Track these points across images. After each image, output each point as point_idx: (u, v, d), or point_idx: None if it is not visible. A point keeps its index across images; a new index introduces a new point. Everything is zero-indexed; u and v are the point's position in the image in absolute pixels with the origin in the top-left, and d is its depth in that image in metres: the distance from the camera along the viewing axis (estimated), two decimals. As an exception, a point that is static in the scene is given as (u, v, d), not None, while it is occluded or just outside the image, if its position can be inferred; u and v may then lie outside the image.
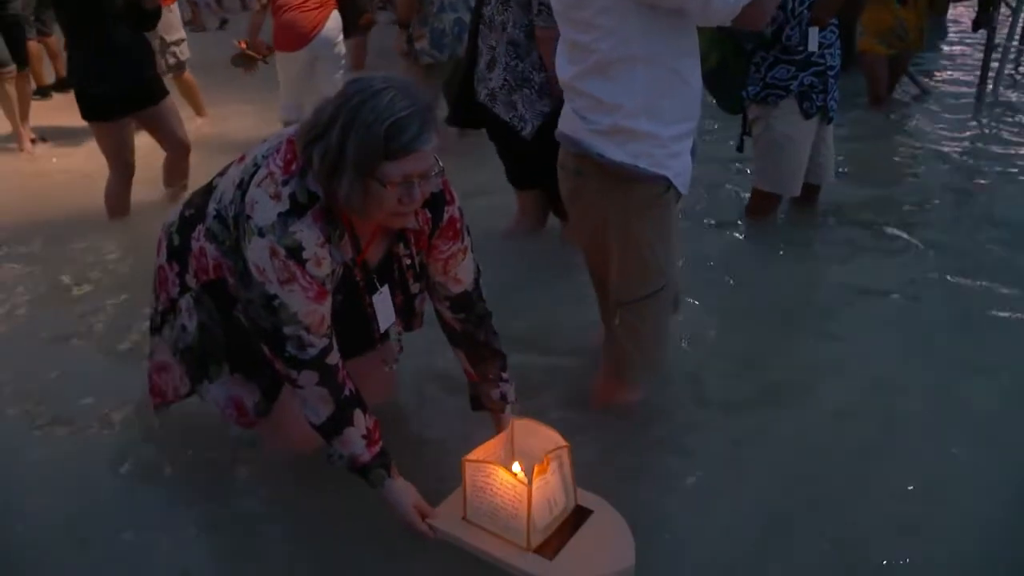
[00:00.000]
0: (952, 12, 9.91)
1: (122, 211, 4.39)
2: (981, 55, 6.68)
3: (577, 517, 2.07)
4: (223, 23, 11.05)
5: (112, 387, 2.81)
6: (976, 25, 6.83)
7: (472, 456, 2.02)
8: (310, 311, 1.87)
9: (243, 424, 2.30)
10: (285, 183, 1.84)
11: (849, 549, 2.07)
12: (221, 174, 2.12)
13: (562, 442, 2.03)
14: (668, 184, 2.25)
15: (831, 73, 3.76)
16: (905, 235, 3.99)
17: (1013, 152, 5.33)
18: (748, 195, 4.21)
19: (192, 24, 10.21)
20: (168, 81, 4.99)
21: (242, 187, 1.92)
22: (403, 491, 2.05)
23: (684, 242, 3.28)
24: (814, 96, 3.75)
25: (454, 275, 2.17)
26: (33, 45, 6.71)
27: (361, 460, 2.00)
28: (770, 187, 4.00)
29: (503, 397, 2.29)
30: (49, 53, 7.50)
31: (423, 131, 1.74)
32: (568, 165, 2.36)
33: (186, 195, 2.37)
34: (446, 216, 2.09)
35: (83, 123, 4.27)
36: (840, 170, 4.61)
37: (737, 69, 3.86)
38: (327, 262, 1.87)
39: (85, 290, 3.66)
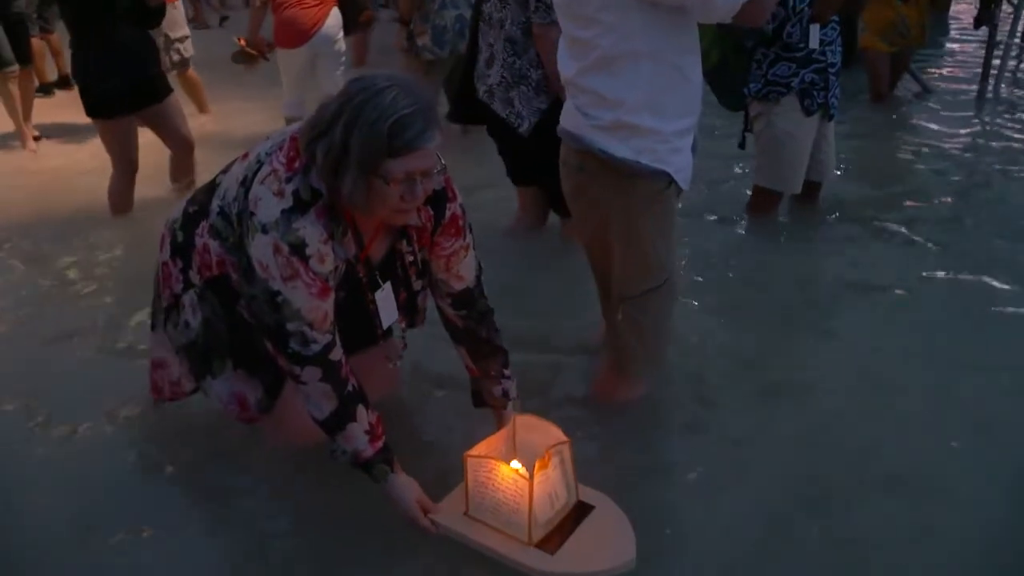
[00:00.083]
0: (954, 9, 9.94)
1: (125, 208, 4.41)
2: (983, 52, 6.68)
3: (578, 512, 2.09)
4: (223, 20, 11.06)
5: (113, 385, 2.81)
6: (978, 22, 6.84)
7: (474, 451, 2.04)
8: (313, 307, 1.89)
9: (245, 420, 2.32)
10: (289, 180, 1.85)
11: (849, 549, 2.06)
12: (225, 171, 2.14)
13: (563, 437, 2.05)
14: (670, 180, 2.26)
15: (832, 70, 3.77)
16: (906, 232, 4.00)
17: (1014, 149, 5.33)
18: (750, 192, 4.21)
19: (195, 21, 10.22)
20: (172, 78, 4.99)
21: (246, 184, 1.94)
22: (406, 486, 2.06)
23: (685, 239, 3.30)
24: (815, 93, 3.75)
25: (456, 272, 2.18)
26: (35, 42, 6.72)
27: (364, 456, 2.01)
28: (771, 184, 4.01)
29: (505, 394, 2.30)
30: (51, 50, 7.52)
31: (426, 129, 1.75)
32: (570, 161, 2.37)
33: (191, 192, 2.38)
34: (448, 213, 2.10)
35: (86, 120, 4.28)
36: (841, 167, 4.62)
37: (738, 66, 3.87)
38: (330, 259, 1.88)
39: (87, 287, 3.67)
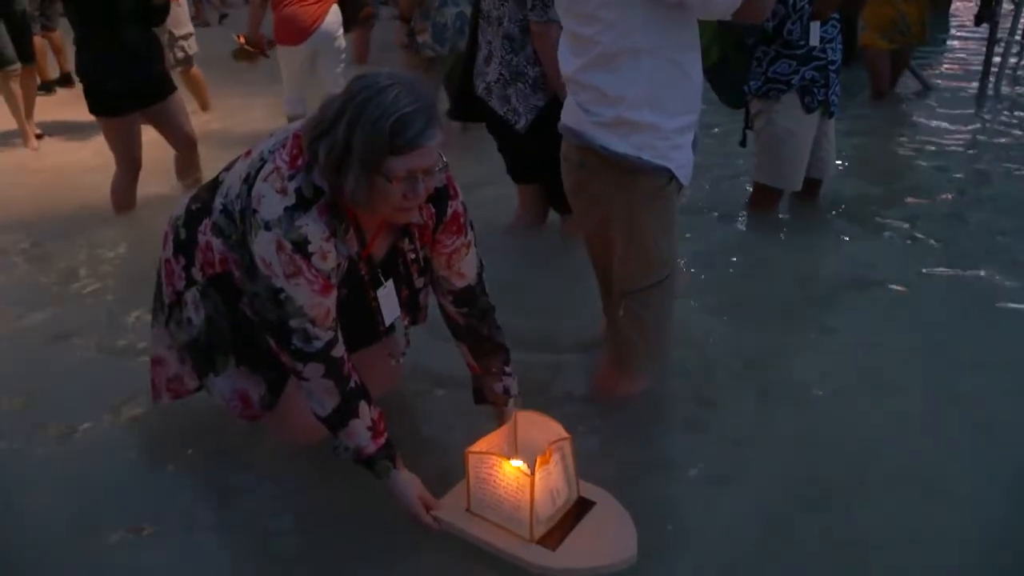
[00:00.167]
0: (954, 6, 9.93)
1: (128, 205, 4.42)
2: (983, 49, 6.68)
3: (579, 508, 2.10)
4: (223, 17, 11.05)
5: (114, 384, 2.81)
6: (978, 19, 6.85)
7: (475, 448, 2.04)
8: (316, 304, 1.89)
9: (248, 417, 2.33)
10: (291, 178, 1.86)
11: (849, 550, 2.06)
12: (227, 169, 2.15)
13: (564, 433, 2.05)
14: (671, 175, 2.27)
15: (832, 68, 3.77)
16: (906, 229, 4.00)
17: (1015, 146, 5.33)
18: (751, 189, 4.21)
19: (196, 19, 10.21)
20: (175, 76, 5.00)
21: (248, 182, 1.95)
22: (408, 483, 2.07)
23: (687, 236, 3.30)
24: (815, 90, 3.76)
25: (458, 269, 2.19)
26: (37, 40, 6.73)
27: (367, 452, 2.02)
28: (772, 181, 4.02)
29: (506, 391, 2.30)
30: (53, 48, 7.52)
31: (428, 127, 1.76)
32: (571, 157, 2.38)
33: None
34: (450, 211, 2.11)
35: (88, 118, 4.29)
36: (842, 164, 4.62)
37: (739, 64, 3.87)
38: (332, 256, 1.89)
39: (89, 285, 3.67)
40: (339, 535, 2.14)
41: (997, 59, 6.58)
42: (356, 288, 2.06)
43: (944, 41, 8.64)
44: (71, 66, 7.34)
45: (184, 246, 2.20)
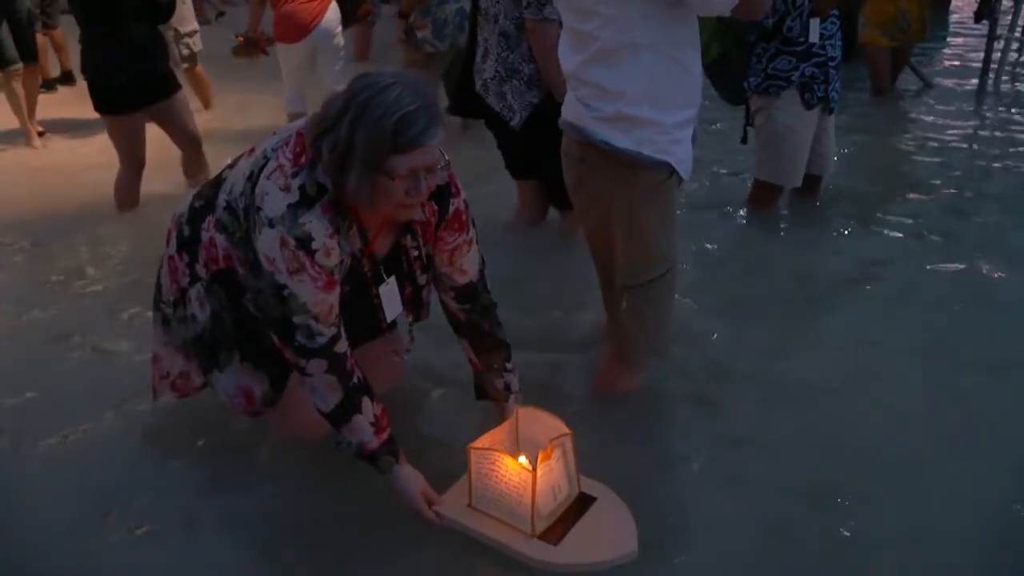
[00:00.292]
0: (954, 3, 9.92)
1: (131, 203, 4.43)
2: (983, 46, 6.68)
3: (580, 504, 2.11)
4: (219, 15, 11.01)
5: (114, 384, 2.81)
6: (978, 16, 6.84)
7: (477, 444, 2.06)
8: (319, 301, 1.91)
9: (251, 413, 2.34)
10: (295, 175, 1.88)
11: (849, 549, 2.06)
12: (231, 166, 2.16)
13: (565, 430, 2.07)
14: (671, 170, 2.28)
15: (832, 64, 3.78)
16: (906, 225, 4.01)
17: (1015, 142, 5.34)
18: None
19: (198, 16, 10.19)
20: (179, 74, 5.00)
21: (252, 179, 1.96)
22: (410, 478, 2.08)
23: (686, 232, 3.30)
24: (815, 87, 3.77)
25: (459, 266, 2.20)
26: (38, 38, 6.71)
27: (369, 447, 2.03)
28: (772, 178, 4.02)
29: (507, 387, 2.32)
30: (54, 46, 7.52)
31: (430, 126, 1.77)
32: (572, 153, 2.39)
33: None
34: (452, 208, 2.12)
35: (90, 116, 4.30)
36: (842, 161, 4.62)
37: (739, 60, 3.88)
38: (336, 253, 1.91)
39: (92, 283, 3.67)
40: (340, 532, 2.14)
41: (997, 55, 6.58)
42: (359, 285, 2.07)
43: (944, 38, 8.64)
44: (72, 64, 7.38)
45: (188, 243, 2.21)
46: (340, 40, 5.54)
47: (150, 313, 2.49)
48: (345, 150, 1.77)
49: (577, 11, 2.19)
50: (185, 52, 6.22)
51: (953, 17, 9.65)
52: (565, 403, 2.58)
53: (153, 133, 4.41)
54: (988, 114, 6.06)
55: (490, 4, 3.48)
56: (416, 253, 2.16)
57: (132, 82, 4.09)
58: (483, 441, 2.07)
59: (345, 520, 2.18)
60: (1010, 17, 6.91)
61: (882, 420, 2.53)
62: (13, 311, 3.39)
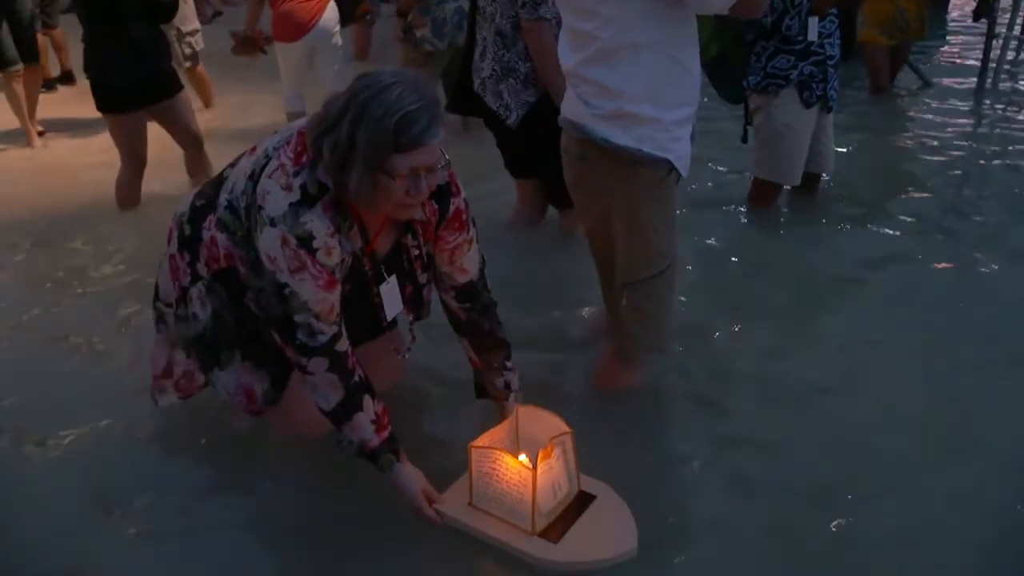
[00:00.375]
0: (952, 2, 9.91)
1: (132, 202, 4.43)
2: (982, 44, 6.68)
3: (580, 502, 2.12)
4: (216, 15, 10.99)
5: (114, 383, 2.82)
6: (977, 15, 6.83)
7: (478, 442, 2.07)
8: (320, 299, 1.91)
9: (252, 411, 2.34)
10: (296, 174, 1.88)
11: (849, 549, 2.06)
12: (232, 165, 2.16)
13: (565, 428, 2.08)
14: (671, 167, 2.29)
15: (831, 63, 3.79)
16: (906, 224, 4.01)
17: (1014, 140, 5.34)
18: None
19: (199, 16, 10.17)
20: (180, 74, 5.00)
21: (254, 178, 1.97)
22: (411, 476, 2.09)
23: (686, 231, 3.31)
24: (814, 86, 3.77)
25: (460, 265, 2.21)
26: (38, 38, 6.71)
27: (370, 445, 2.04)
28: (771, 176, 4.03)
29: (507, 385, 2.33)
30: (54, 45, 7.49)
31: (431, 125, 1.78)
32: (572, 150, 2.39)
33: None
34: (452, 207, 2.13)
35: (89, 115, 4.30)
36: (841, 159, 4.62)
37: (738, 59, 3.89)
38: (337, 251, 1.91)
39: (93, 282, 3.68)
40: (340, 532, 2.15)
41: (995, 54, 6.58)
42: (360, 284, 2.08)
43: (943, 36, 8.63)
44: (72, 64, 7.37)
45: (189, 242, 2.22)
46: (338, 39, 5.54)
47: (150, 312, 2.49)
48: (346, 149, 1.78)
49: (577, 11, 2.20)
50: (188, 51, 6.23)
51: (952, 15, 9.64)
52: (565, 402, 2.59)
53: (154, 132, 4.40)
54: (987, 112, 6.06)
55: (487, 3, 3.48)
56: (417, 252, 2.16)
57: (134, 81, 4.09)
58: (484, 440, 2.08)
59: (345, 520, 2.18)
60: (1008, 15, 6.91)
61: (882, 420, 2.53)
62: (13, 311, 3.39)
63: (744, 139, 4.09)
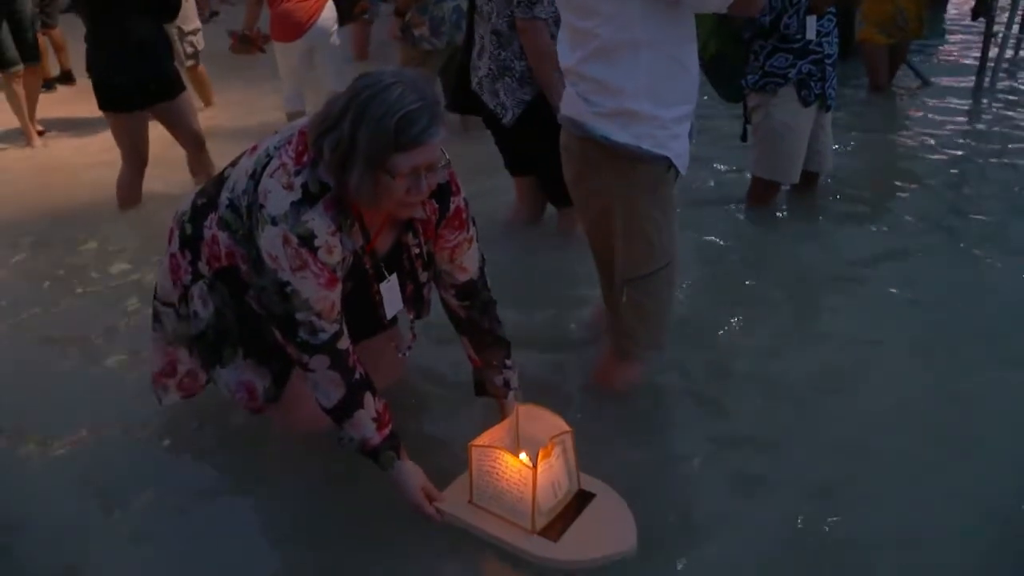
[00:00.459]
0: (951, 0, 9.92)
1: (133, 201, 4.43)
2: (980, 43, 6.69)
3: (580, 500, 2.13)
4: (213, 15, 10.98)
5: (115, 384, 2.82)
6: (975, 13, 6.83)
7: (478, 441, 2.07)
8: (321, 297, 1.92)
9: (253, 409, 2.35)
10: (297, 173, 1.89)
11: (849, 549, 2.06)
12: (232, 164, 2.17)
13: (565, 427, 2.08)
14: (669, 164, 2.30)
15: (829, 61, 3.79)
16: (906, 223, 4.01)
17: (1013, 138, 5.35)
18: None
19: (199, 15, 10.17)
20: (181, 72, 5.00)
21: (255, 177, 1.98)
22: (412, 474, 2.10)
23: (685, 229, 3.31)
24: (812, 84, 3.77)
25: (460, 264, 2.21)
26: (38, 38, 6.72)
27: (371, 443, 2.05)
28: (770, 175, 4.03)
29: (506, 383, 2.33)
30: (54, 45, 7.50)
31: (432, 124, 1.78)
32: (571, 148, 2.40)
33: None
34: (452, 206, 2.13)
35: (89, 114, 4.31)
36: (839, 158, 4.62)
37: (736, 58, 3.89)
38: (338, 250, 1.92)
39: (94, 281, 3.68)
40: (341, 531, 2.15)
41: (994, 53, 6.59)
42: (360, 282, 2.09)
43: (941, 35, 8.64)
44: (72, 63, 7.36)
45: (190, 241, 2.22)
46: (336, 39, 5.55)
47: (150, 312, 2.49)
48: (347, 148, 1.78)
49: (576, 8, 2.20)
50: (189, 50, 6.26)
51: (950, 14, 9.65)
52: (565, 401, 2.60)
53: (155, 132, 4.40)
54: (985, 111, 6.06)
55: (484, 2, 3.49)
56: (417, 251, 2.17)
57: (137, 81, 4.09)
58: (484, 438, 2.09)
59: (345, 519, 2.18)
60: (1007, 14, 6.92)
61: (882, 420, 2.52)
62: (13, 310, 3.39)
63: (744, 138, 4.10)
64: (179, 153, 4.62)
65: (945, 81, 6.79)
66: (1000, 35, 6.67)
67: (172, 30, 5.47)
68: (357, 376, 2.03)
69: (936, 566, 2.02)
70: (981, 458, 2.35)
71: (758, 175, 4.09)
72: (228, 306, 2.20)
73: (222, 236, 2.11)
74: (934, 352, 2.88)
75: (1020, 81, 6.91)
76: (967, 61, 7.30)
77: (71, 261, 3.90)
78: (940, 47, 8.17)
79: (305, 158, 1.90)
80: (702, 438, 2.49)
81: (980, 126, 5.73)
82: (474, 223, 2.22)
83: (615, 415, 2.56)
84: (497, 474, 2.05)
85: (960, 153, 5.13)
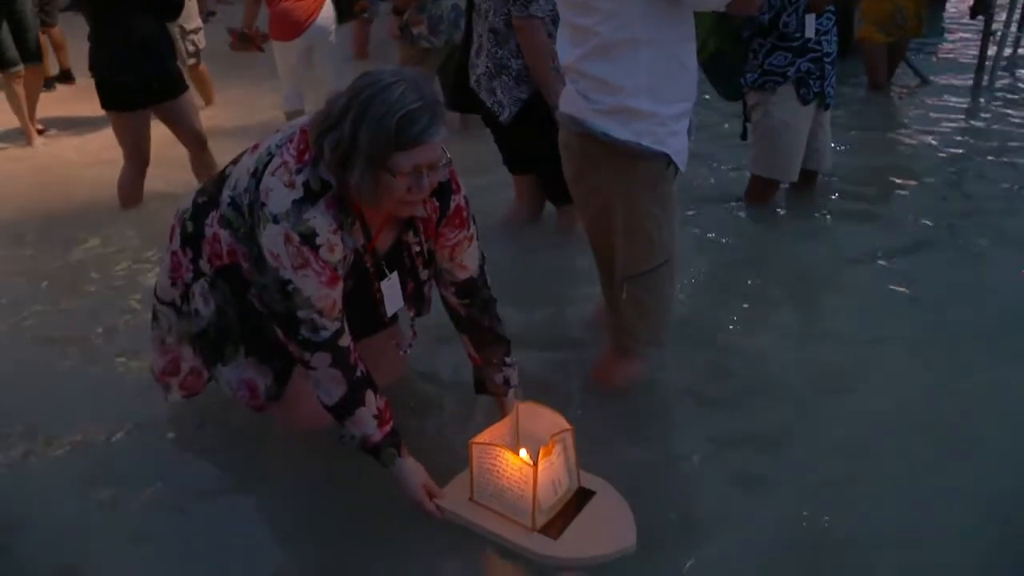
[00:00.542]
0: (950, -1, 9.94)
1: (135, 200, 4.43)
2: (979, 41, 6.69)
3: (580, 498, 2.13)
4: (210, 15, 10.96)
5: (115, 383, 2.82)
6: (974, 12, 6.84)
7: (479, 439, 2.07)
8: (323, 295, 1.92)
9: (254, 407, 2.35)
10: (299, 172, 1.89)
11: (849, 549, 2.05)
12: (234, 162, 2.17)
13: (566, 425, 2.08)
14: (669, 161, 2.30)
15: (828, 60, 3.79)
16: (904, 221, 4.01)
17: (1012, 136, 5.35)
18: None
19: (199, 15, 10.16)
20: (183, 71, 5.00)
21: (256, 175, 1.98)
22: (412, 471, 2.10)
23: (685, 228, 3.32)
24: (811, 82, 3.78)
25: (460, 262, 2.22)
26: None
27: (372, 440, 2.05)
28: (768, 173, 4.04)
29: (506, 381, 2.33)
30: (53, 44, 7.48)
31: (432, 123, 1.79)
32: (571, 145, 2.40)
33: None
34: (453, 205, 2.14)
35: (89, 113, 4.29)
36: (838, 156, 4.62)
37: (735, 56, 3.89)
38: (339, 248, 1.92)
39: (94, 281, 3.67)
40: (341, 530, 2.15)
41: (992, 51, 6.59)
42: (361, 280, 2.09)
43: (940, 33, 8.65)
44: (72, 62, 7.36)
45: (191, 239, 2.22)
46: (334, 37, 5.54)
47: (151, 311, 2.49)
48: (348, 147, 1.79)
49: (576, 6, 2.21)
50: (191, 48, 6.26)
51: (949, 12, 9.65)
52: (565, 398, 2.60)
53: (156, 131, 4.40)
54: (984, 109, 6.06)
55: (482, 0, 3.50)
56: (418, 249, 2.17)
57: (140, 80, 4.09)
58: (484, 436, 2.09)
59: (347, 517, 2.19)
60: (1005, 12, 6.92)
61: (882, 420, 2.51)
62: (13, 310, 3.38)
63: (744, 136, 4.10)
64: (180, 152, 4.61)
65: (944, 79, 6.79)
66: (999, 33, 6.67)
67: (174, 29, 5.48)
68: (358, 373, 2.03)
69: (936, 566, 2.02)
70: (981, 458, 2.34)
71: (757, 173, 4.09)
72: (229, 304, 2.20)
73: (223, 234, 2.12)
74: (934, 352, 2.88)
75: (1019, 79, 6.90)
76: (966, 59, 7.30)
77: (71, 260, 3.89)
78: (939, 45, 8.17)
79: (306, 156, 1.90)
80: (702, 437, 2.49)
81: (979, 124, 5.73)
82: (474, 221, 2.22)
83: (615, 413, 2.56)
84: (498, 472, 2.05)
85: (959, 151, 5.14)
